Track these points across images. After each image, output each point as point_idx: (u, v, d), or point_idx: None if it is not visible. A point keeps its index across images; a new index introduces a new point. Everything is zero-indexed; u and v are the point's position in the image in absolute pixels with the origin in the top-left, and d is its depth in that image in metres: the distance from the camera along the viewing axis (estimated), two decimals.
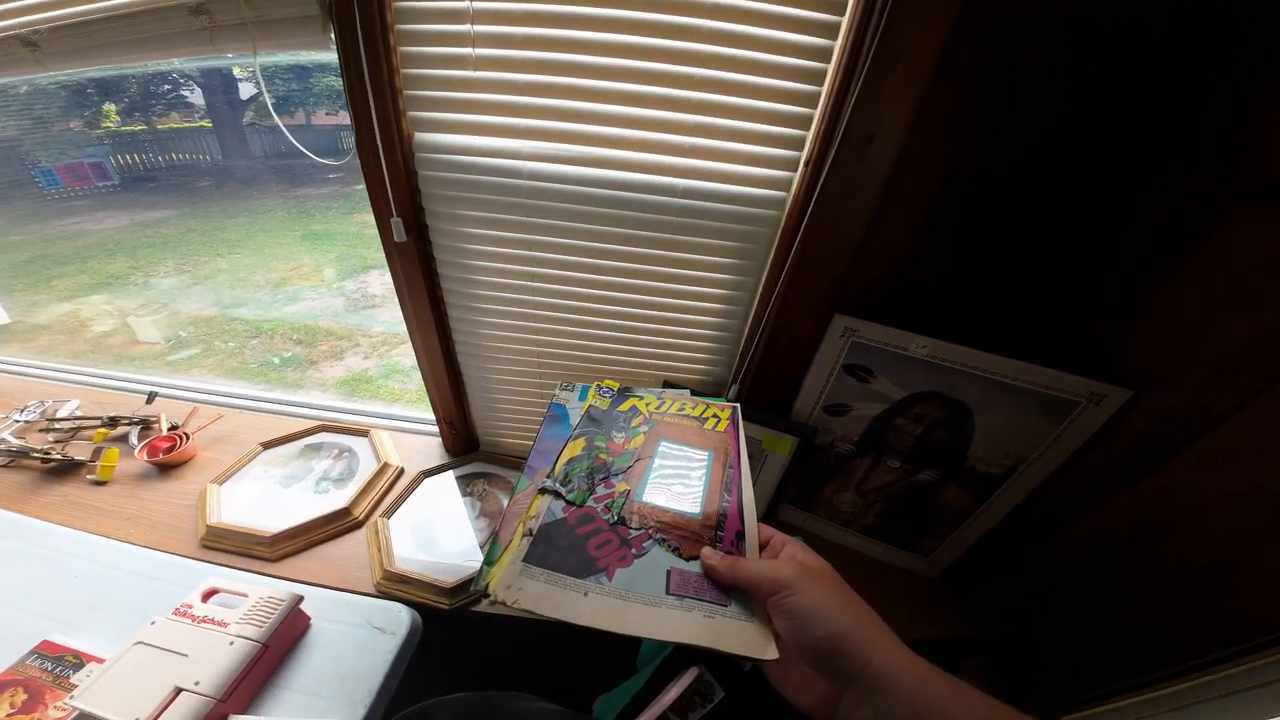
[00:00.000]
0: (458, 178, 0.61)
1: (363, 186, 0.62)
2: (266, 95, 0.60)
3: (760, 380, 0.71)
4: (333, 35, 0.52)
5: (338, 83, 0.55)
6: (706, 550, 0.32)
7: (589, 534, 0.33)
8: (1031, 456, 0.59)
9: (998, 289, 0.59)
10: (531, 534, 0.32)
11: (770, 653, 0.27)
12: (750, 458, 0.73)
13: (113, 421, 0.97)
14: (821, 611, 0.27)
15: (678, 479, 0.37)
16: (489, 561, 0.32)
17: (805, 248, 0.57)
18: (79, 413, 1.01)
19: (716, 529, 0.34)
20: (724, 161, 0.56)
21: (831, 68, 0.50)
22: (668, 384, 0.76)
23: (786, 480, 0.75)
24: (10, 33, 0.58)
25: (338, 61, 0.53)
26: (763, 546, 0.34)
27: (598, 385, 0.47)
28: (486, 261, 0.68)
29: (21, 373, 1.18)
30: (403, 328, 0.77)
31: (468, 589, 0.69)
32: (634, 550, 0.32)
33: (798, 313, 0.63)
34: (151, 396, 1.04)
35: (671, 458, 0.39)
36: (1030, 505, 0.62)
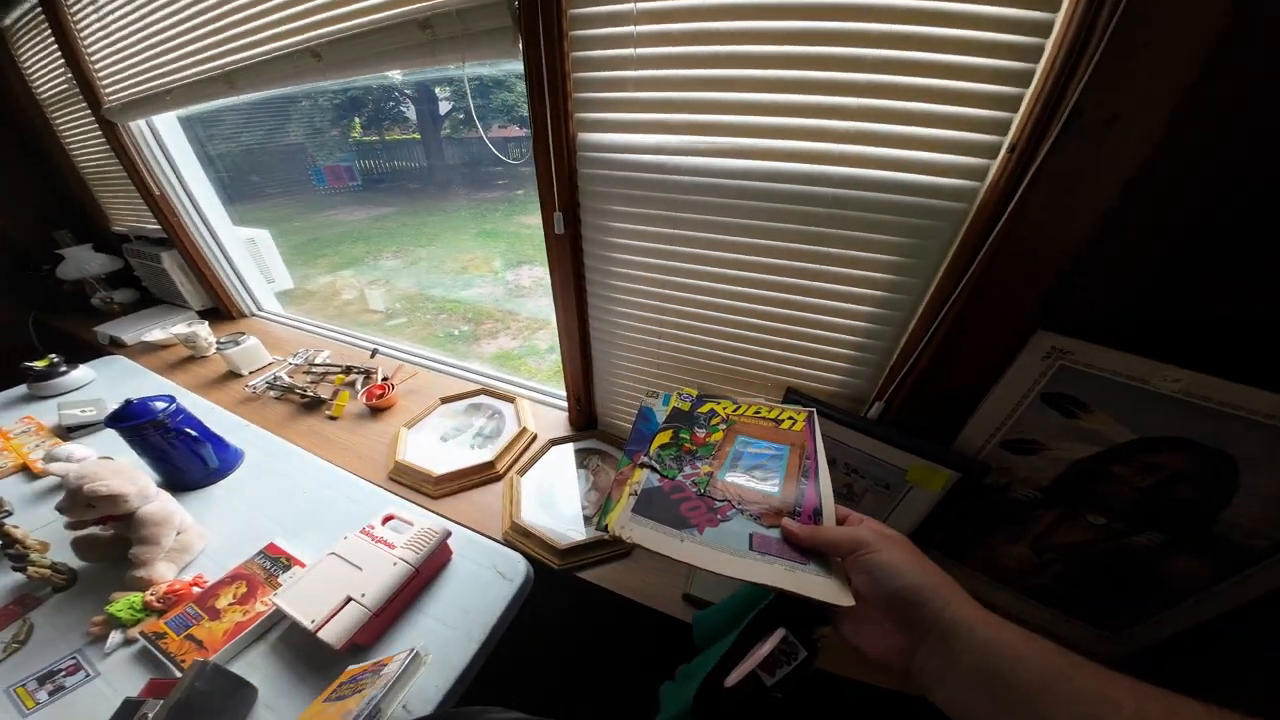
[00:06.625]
0: (610, 174, 0.64)
1: (523, 191, 0.70)
2: (471, 105, 0.70)
3: (916, 400, 0.61)
4: (520, 44, 0.59)
5: (509, 97, 0.62)
6: (786, 519, 0.35)
7: (681, 499, 0.38)
8: None
9: None
10: (636, 494, 0.39)
11: (847, 599, 0.30)
12: (886, 486, 0.66)
13: (347, 370, 1.26)
14: (899, 566, 0.29)
15: (756, 466, 0.42)
16: (605, 511, 0.39)
17: (1003, 249, 0.47)
18: (328, 361, 1.33)
19: (795, 505, 0.37)
20: (894, 147, 0.49)
21: (1054, 37, 0.40)
22: (791, 391, 0.70)
23: (933, 522, 0.64)
24: (304, 46, 0.76)
25: (523, 69, 0.60)
26: (839, 525, 0.36)
27: (678, 392, 0.53)
28: (627, 255, 0.71)
29: (296, 326, 1.60)
30: (541, 315, 0.85)
31: (575, 554, 0.73)
32: (720, 516, 0.37)
33: (982, 325, 0.52)
34: (374, 352, 1.33)
35: (749, 449, 0.44)
36: None
